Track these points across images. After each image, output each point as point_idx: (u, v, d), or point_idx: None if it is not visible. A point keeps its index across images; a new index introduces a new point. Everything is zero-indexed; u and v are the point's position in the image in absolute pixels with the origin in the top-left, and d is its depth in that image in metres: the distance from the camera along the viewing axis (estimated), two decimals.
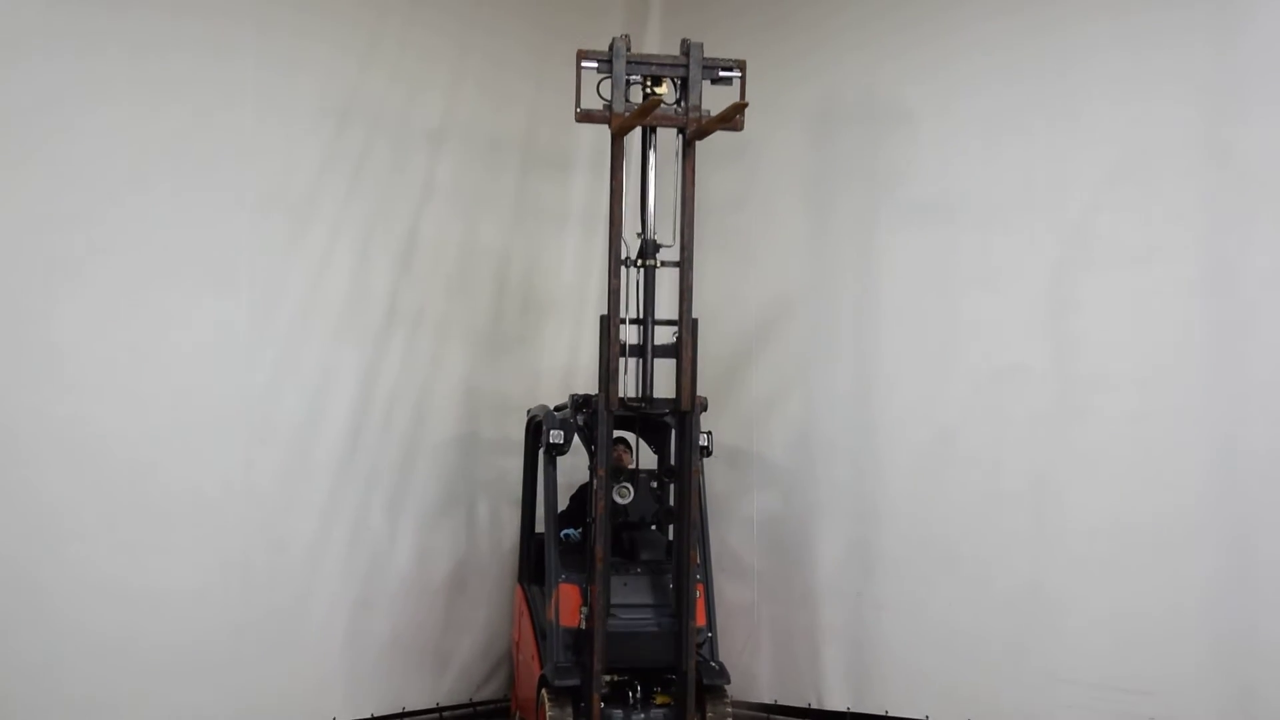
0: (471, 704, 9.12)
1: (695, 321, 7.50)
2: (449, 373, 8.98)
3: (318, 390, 8.39)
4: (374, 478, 8.66)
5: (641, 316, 7.54)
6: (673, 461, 7.66)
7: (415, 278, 8.80)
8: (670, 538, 7.88)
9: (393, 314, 8.73)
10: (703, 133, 7.41)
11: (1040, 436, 7.97)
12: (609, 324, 7.34)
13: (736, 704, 8.30)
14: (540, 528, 8.37)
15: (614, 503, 7.52)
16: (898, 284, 8.49)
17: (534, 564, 8.49)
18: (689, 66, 7.50)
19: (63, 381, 7.41)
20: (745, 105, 7.20)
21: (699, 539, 7.72)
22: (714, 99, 7.63)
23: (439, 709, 8.95)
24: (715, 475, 8.81)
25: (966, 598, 8.19)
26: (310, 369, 8.34)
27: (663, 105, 7.49)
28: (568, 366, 9.45)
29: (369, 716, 8.63)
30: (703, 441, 7.82)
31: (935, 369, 8.32)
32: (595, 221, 9.34)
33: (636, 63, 7.49)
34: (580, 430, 7.85)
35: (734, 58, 7.53)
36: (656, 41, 9.28)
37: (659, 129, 7.62)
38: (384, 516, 8.72)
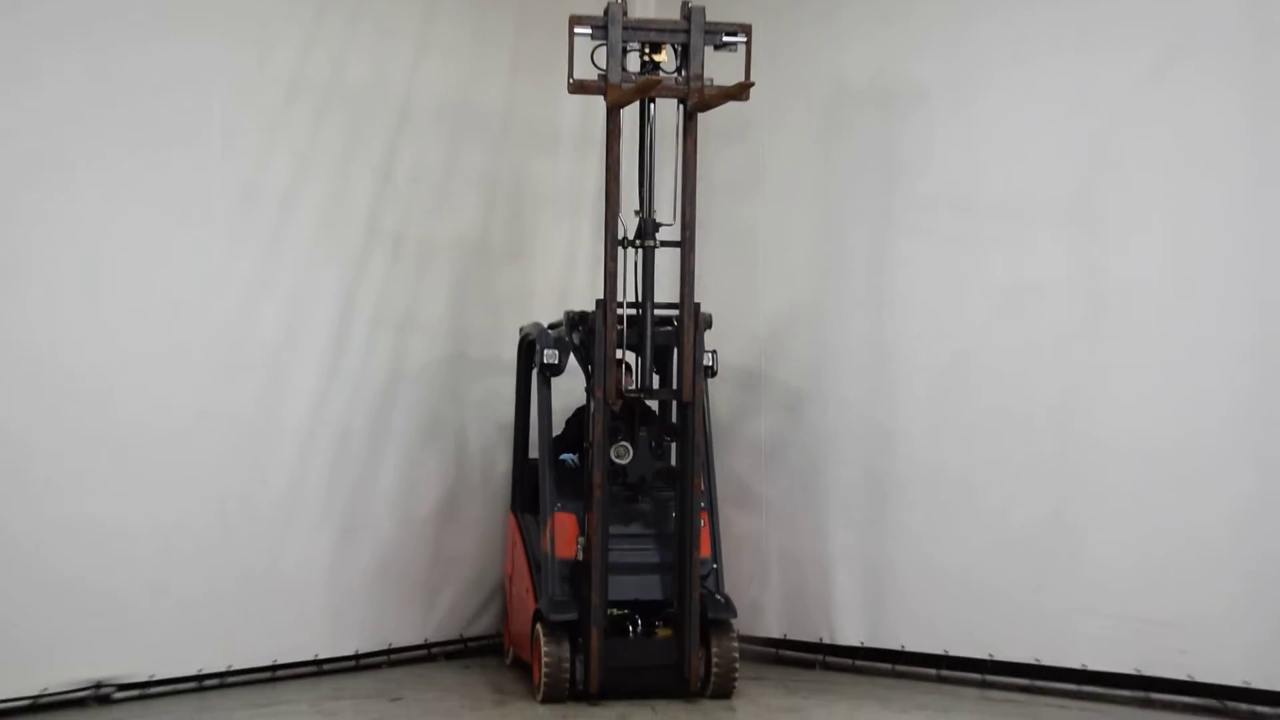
0: (462, 640, 9.22)
1: (698, 306, 7.56)
2: (435, 291, 9.03)
3: (295, 312, 8.39)
4: (356, 402, 8.68)
5: (640, 300, 7.58)
6: (675, 385, 7.78)
7: (397, 194, 8.81)
8: (674, 463, 7.97)
9: (373, 232, 8.74)
10: (705, 105, 7.44)
11: (1064, 357, 7.97)
12: (605, 308, 7.39)
13: (743, 638, 8.29)
14: (534, 453, 8.48)
15: (612, 462, 7.60)
16: (915, 196, 8.47)
17: (528, 492, 8.63)
18: (690, 32, 7.52)
19: (26, 310, 7.44)
20: (750, 84, 7.24)
21: (703, 464, 7.84)
22: (717, 67, 7.65)
23: (428, 645, 9.04)
24: (721, 397, 8.78)
25: (985, 526, 8.21)
26: (286, 289, 8.34)
27: (662, 74, 7.54)
28: (563, 282, 9.50)
29: (353, 653, 8.71)
30: (707, 361, 7.89)
31: (953, 286, 8.34)
32: (590, 138, 9.34)
33: (633, 28, 7.53)
34: (576, 349, 7.91)
35: (738, 22, 7.57)
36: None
37: (658, 99, 7.68)
38: (367, 443, 8.74)
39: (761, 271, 9.03)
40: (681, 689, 7.70)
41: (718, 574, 7.94)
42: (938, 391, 8.39)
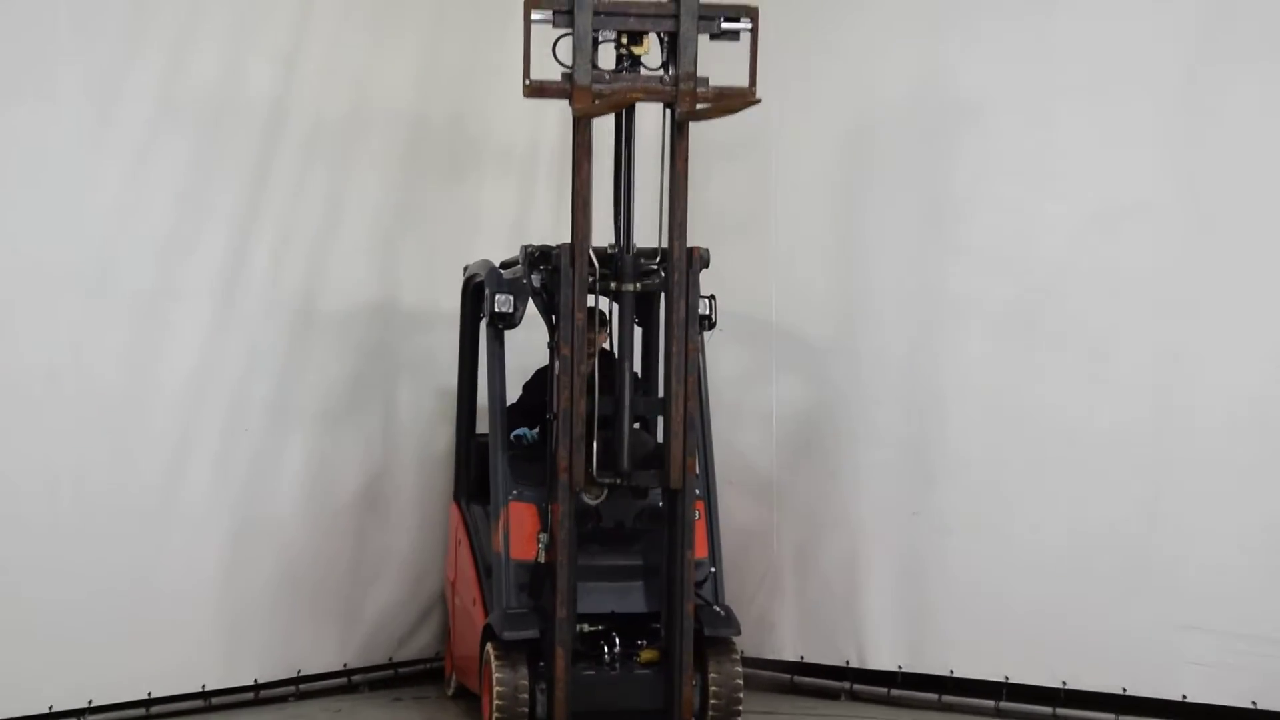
0: (392, 665, 9.19)
1: (700, 367, 7.75)
2: (356, 215, 9.00)
3: (172, 237, 8.35)
4: (254, 360, 8.63)
5: (618, 348, 7.74)
6: (662, 336, 7.81)
7: (305, 83, 8.78)
8: (660, 439, 7.91)
9: (276, 134, 8.68)
10: (698, 115, 7.52)
11: (1164, 300, 8.06)
12: (569, 370, 7.44)
13: (749, 661, 8.36)
14: (483, 427, 8.39)
15: (583, 502, 7.65)
16: (973, 85, 8.54)
17: (475, 476, 8.59)
18: (679, 18, 7.53)
19: None
20: (756, 100, 7.36)
21: (698, 441, 7.83)
22: (715, 61, 7.67)
23: (348, 672, 9.01)
24: (721, 355, 8.67)
25: (1059, 520, 8.22)
26: (161, 215, 8.31)
27: (644, 69, 7.59)
28: (518, 212, 9.40)
29: (251, 683, 8.65)
30: (703, 310, 7.90)
31: (1022, 207, 8.37)
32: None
33: (607, 13, 7.55)
34: (536, 294, 7.85)
35: (740, 2, 7.63)
36: None
37: (638, 102, 7.71)
38: (268, 413, 8.68)
39: (772, 187, 8.93)
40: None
41: (716, 580, 7.93)
42: (999, 345, 8.45)
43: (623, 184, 7.71)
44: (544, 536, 7.63)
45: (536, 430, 8.19)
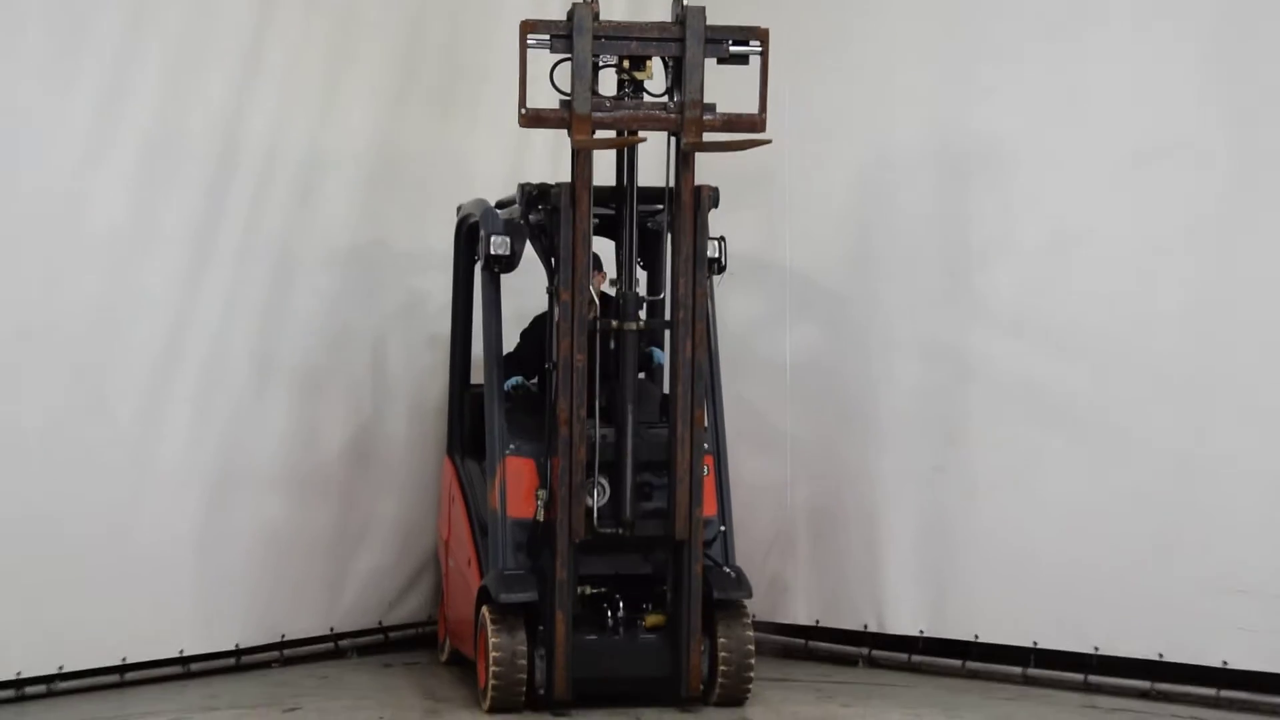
0: (382, 629, 9.23)
1: (709, 313, 7.75)
2: (342, 151, 8.98)
3: (145, 177, 8.29)
4: (233, 306, 8.61)
5: (618, 420, 7.69)
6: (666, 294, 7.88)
7: (289, 7, 8.77)
8: (665, 390, 7.95)
9: (256, 64, 8.64)
10: (704, 146, 7.51)
11: (1209, 239, 8.04)
12: (570, 317, 7.48)
13: (761, 626, 8.40)
14: (478, 377, 8.49)
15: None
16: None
17: (469, 430, 8.61)
18: (685, 41, 7.52)
19: None
20: (764, 140, 7.39)
21: (707, 392, 7.88)
22: (724, 87, 7.65)
23: (334, 637, 9.04)
24: (731, 300, 8.70)
25: (1091, 474, 8.23)
26: (132, 152, 8.25)
27: (648, 95, 7.59)
28: (516, 148, 9.36)
29: (233, 648, 8.66)
30: (712, 252, 7.93)
31: (1058, 139, 8.36)
32: None
33: (609, 37, 7.55)
34: (535, 236, 7.88)
35: (750, 25, 7.60)
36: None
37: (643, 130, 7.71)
38: (248, 364, 8.69)
39: (787, 119, 8.65)
40: (678, 693, 7.73)
41: (726, 540, 7.96)
42: (1030, 287, 8.45)
43: (626, 220, 7.74)
44: (543, 493, 7.68)
45: (535, 380, 8.23)
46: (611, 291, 7.95)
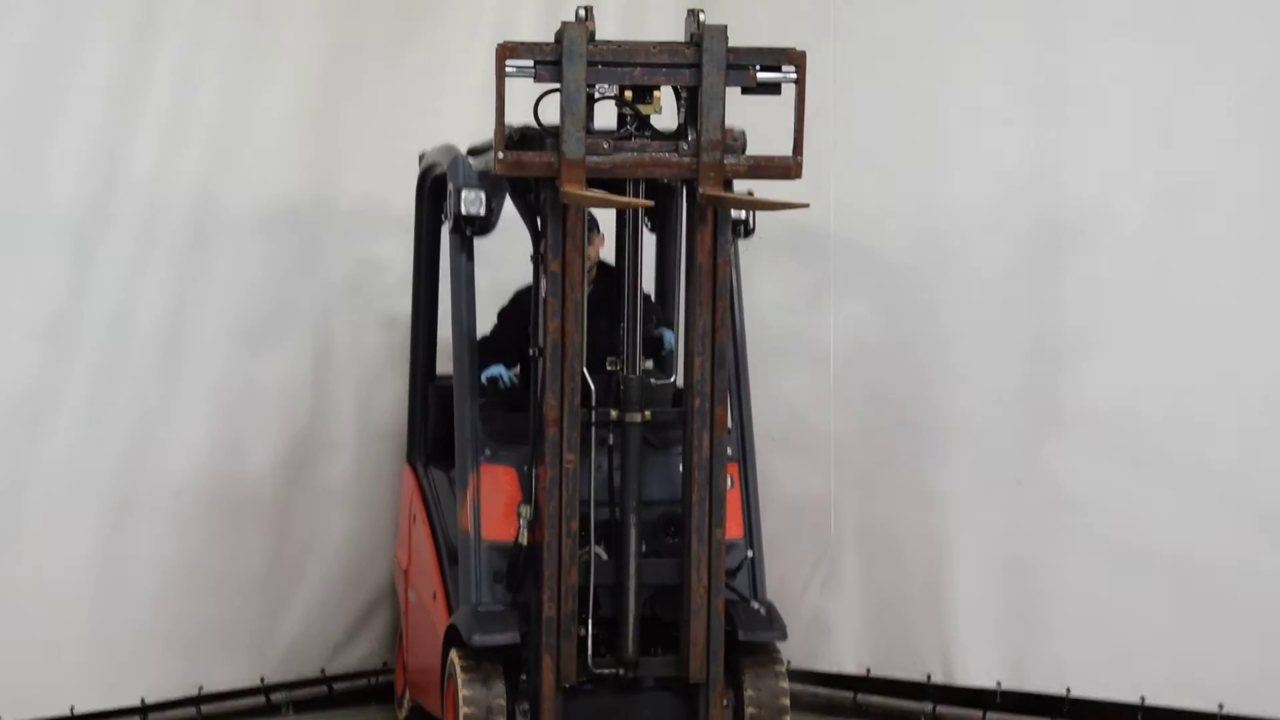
0: (324, 679, 9.09)
1: (733, 287, 7.68)
2: (276, 82, 8.86)
3: (20, 117, 8.13)
4: (137, 276, 8.41)
5: (618, 509, 7.60)
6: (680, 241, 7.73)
7: None
8: (679, 383, 7.80)
9: None
10: (725, 201, 7.39)
11: None
12: (559, 291, 7.31)
13: (798, 675, 8.51)
14: (446, 367, 8.34)
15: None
16: None
17: (435, 432, 8.57)
18: (702, 67, 7.29)
19: None
20: (801, 204, 7.14)
21: (731, 385, 7.78)
22: (746, 116, 7.51)
23: (265, 689, 8.89)
24: (761, 274, 8.58)
25: (1216, 486, 8.09)
26: (7, 68, 8.13)
27: (655, 123, 7.42)
28: (492, 81, 8.71)
29: (138, 704, 8.48)
30: (738, 214, 7.90)
31: (1167, 83, 8.28)
32: None
33: (608, 63, 7.32)
34: (516, 191, 7.74)
35: (782, 46, 7.39)
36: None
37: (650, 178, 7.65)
38: (158, 349, 8.48)
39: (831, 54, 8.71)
40: None
41: (754, 569, 7.79)
42: (1142, 253, 8.35)
43: (628, 279, 7.58)
44: (526, 509, 7.45)
45: (516, 370, 8.13)
46: (612, 261, 7.93)
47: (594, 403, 7.62)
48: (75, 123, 8.23)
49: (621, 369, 7.60)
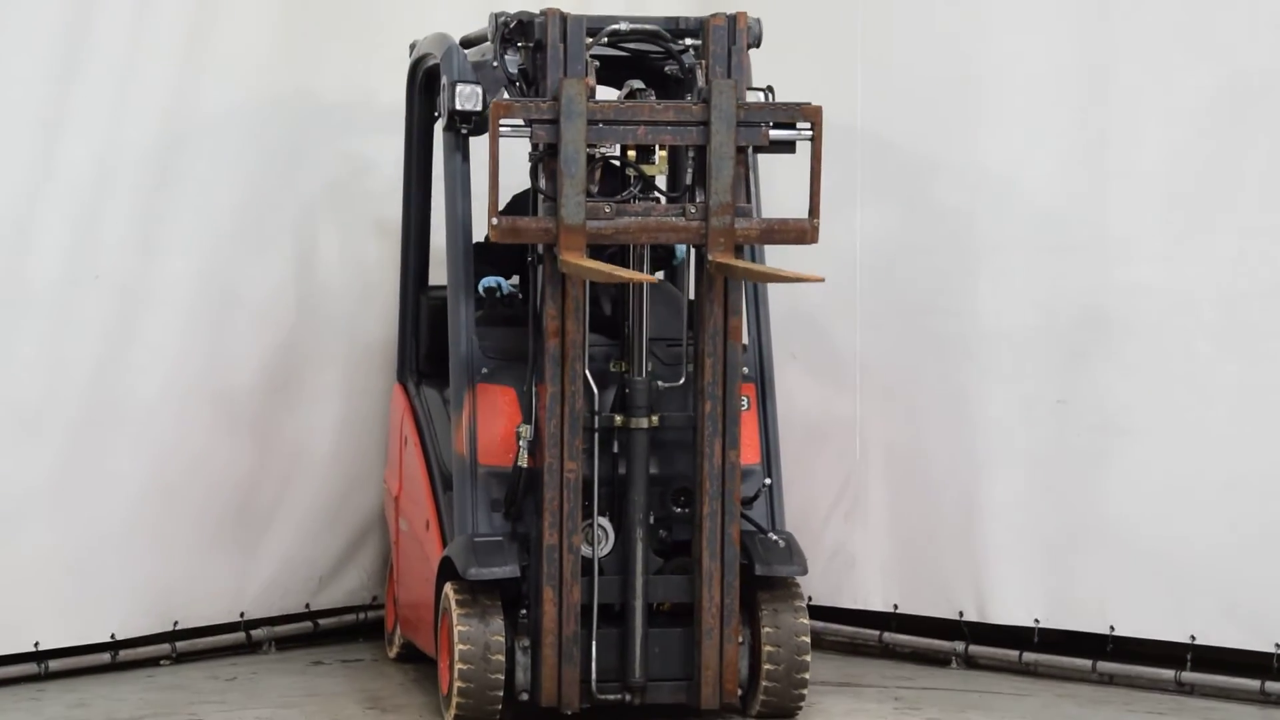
0: (309, 615, 9.10)
1: (760, 337, 7.79)
2: None
3: None
4: (104, 181, 8.32)
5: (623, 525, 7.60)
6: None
7: None
8: (691, 296, 7.83)
9: None
10: (736, 270, 7.43)
11: None
12: (559, 321, 7.34)
13: (820, 611, 8.54)
14: (439, 277, 8.31)
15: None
16: None
17: (428, 347, 8.63)
18: (710, 125, 7.35)
19: None
20: (816, 278, 7.21)
21: (747, 297, 7.77)
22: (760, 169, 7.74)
23: (245, 625, 8.88)
24: (781, 174, 8.25)
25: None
26: None
27: (658, 196, 7.51)
28: None
29: (108, 639, 8.42)
30: (756, 95, 7.75)
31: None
32: None
33: (608, 121, 7.36)
34: (514, 84, 7.68)
35: (796, 101, 7.47)
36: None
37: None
38: (127, 255, 8.40)
39: None
40: (706, 699, 7.58)
41: (772, 497, 7.74)
42: (1191, 153, 8.19)
43: (633, 299, 7.60)
44: (526, 429, 7.41)
45: (514, 280, 8.12)
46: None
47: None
48: (41, 8, 8.13)
49: (629, 369, 7.64)
